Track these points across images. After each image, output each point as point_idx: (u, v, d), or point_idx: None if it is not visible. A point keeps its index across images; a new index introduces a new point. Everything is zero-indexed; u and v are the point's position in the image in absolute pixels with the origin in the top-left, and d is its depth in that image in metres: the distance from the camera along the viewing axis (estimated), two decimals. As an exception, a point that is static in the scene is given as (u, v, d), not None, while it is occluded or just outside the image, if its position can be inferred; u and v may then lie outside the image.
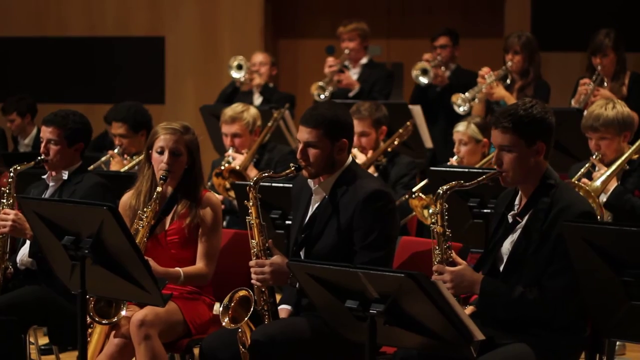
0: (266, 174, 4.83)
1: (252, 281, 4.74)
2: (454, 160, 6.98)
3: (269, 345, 4.56)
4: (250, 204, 4.78)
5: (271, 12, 12.09)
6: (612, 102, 6.03)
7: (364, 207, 4.70)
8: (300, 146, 4.77)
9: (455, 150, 7.00)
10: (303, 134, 4.77)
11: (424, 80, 9.08)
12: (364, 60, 9.48)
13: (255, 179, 4.80)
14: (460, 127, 7.03)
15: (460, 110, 8.40)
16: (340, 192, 4.77)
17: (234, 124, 7.35)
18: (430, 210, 4.50)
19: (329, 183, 4.81)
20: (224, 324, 4.67)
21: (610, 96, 7.42)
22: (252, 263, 4.75)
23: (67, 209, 4.60)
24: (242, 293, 4.72)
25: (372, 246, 4.69)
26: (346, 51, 9.40)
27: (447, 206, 4.45)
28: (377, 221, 4.70)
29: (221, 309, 4.70)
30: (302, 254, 4.83)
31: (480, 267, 4.48)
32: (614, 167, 5.88)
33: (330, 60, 9.35)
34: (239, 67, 9.61)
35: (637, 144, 5.96)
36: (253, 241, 4.78)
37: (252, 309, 4.65)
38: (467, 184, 4.49)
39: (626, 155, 5.92)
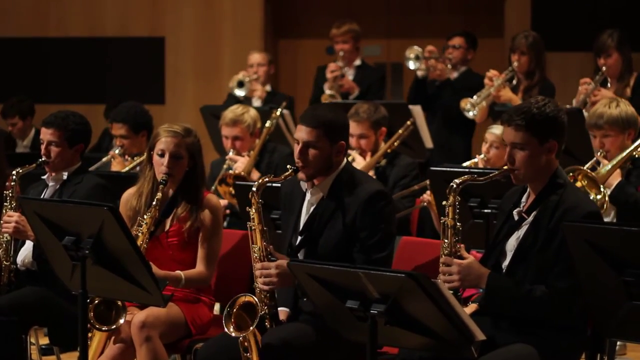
0: (267, 179, 4.76)
1: (260, 285, 4.70)
2: (480, 158, 6.92)
3: (282, 348, 4.56)
4: (253, 210, 4.74)
5: (271, 13, 12.10)
6: (616, 101, 6.05)
7: (366, 208, 4.69)
8: (299, 146, 4.73)
9: (484, 150, 6.91)
10: (302, 133, 4.73)
11: (412, 65, 9.00)
12: (358, 62, 9.46)
13: (257, 185, 4.74)
14: (496, 130, 6.91)
15: (470, 114, 8.38)
16: (340, 192, 4.76)
17: (235, 127, 7.33)
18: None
19: (327, 184, 4.79)
20: (230, 333, 4.62)
21: (612, 97, 7.40)
22: (257, 266, 4.72)
23: (68, 210, 4.60)
24: (244, 299, 4.68)
25: (375, 247, 4.69)
26: (341, 53, 9.38)
27: (459, 199, 4.46)
28: (380, 222, 4.70)
29: (224, 317, 4.67)
30: (300, 255, 4.81)
31: (485, 262, 4.48)
32: (618, 157, 5.88)
33: (333, 65, 9.31)
34: (240, 85, 9.53)
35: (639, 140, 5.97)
36: (255, 246, 4.75)
37: (258, 316, 4.61)
38: (481, 178, 4.49)
39: (631, 148, 5.93)
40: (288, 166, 4.77)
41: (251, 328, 4.60)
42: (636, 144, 5.96)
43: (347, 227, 4.72)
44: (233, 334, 4.62)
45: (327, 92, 9.20)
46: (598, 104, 6.17)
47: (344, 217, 4.73)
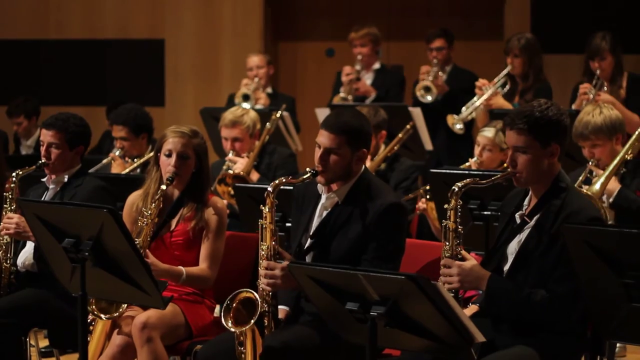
0: (284, 180, 4.76)
1: (262, 285, 4.71)
2: (473, 161, 6.93)
3: (283, 351, 4.56)
4: (267, 209, 4.74)
5: (271, 15, 12.10)
6: (599, 108, 6.05)
7: (381, 219, 4.69)
8: (320, 151, 4.73)
9: (477, 153, 6.92)
10: (325, 139, 4.73)
11: (430, 97, 9.01)
12: (377, 66, 9.44)
13: (273, 185, 4.74)
14: (488, 133, 6.91)
15: (457, 128, 8.40)
16: (356, 200, 4.76)
17: (235, 128, 7.34)
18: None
19: (344, 190, 4.79)
20: (228, 326, 4.64)
21: (612, 100, 7.40)
22: (263, 264, 4.72)
23: (68, 212, 4.60)
24: (245, 295, 4.70)
25: (386, 258, 4.69)
26: (359, 57, 9.36)
27: (461, 203, 4.46)
28: (393, 234, 4.72)
29: (222, 309, 4.68)
30: (308, 258, 4.81)
31: (486, 265, 4.48)
32: (610, 168, 5.90)
33: (347, 68, 9.30)
34: (246, 98, 9.52)
35: (629, 143, 5.98)
36: (264, 245, 4.74)
37: (258, 312, 4.62)
38: (483, 181, 4.49)
39: (620, 155, 5.94)
40: (307, 169, 4.78)
41: (251, 322, 4.60)
42: (624, 149, 5.96)
43: (359, 236, 4.72)
44: (231, 329, 4.63)
45: (341, 94, 9.18)
46: (582, 112, 6.15)
47: (357, 226, 4.72)
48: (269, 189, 4.74)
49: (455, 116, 8.32)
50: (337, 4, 12.06)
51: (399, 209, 4.75)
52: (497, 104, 8.10)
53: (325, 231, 4.79)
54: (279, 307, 4.85)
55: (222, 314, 4.67)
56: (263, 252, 4.75)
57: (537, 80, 8.19)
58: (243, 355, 4.66)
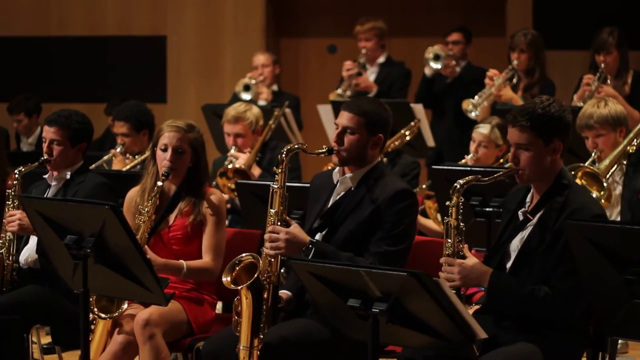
0: (297, 146, 4.86)
1: (265, 250, 4.74)
2: (469, 158, 6.93)
3: (282, 347, 4.57)
4: (279, 170, 4.81)
5: (273, 12, 12.09)
6: (604, 101, 6.09)
7: (390, 204, 4.76)
8: (338, 130, 4.85)
9: (472, 150, 6.92)
10: (343, 119, 4.85)
11: (435, 65, 8.98)
12: (382, 59, 9.39)
13: (286, 148, 4.83)
14: (483, 129, 6.91)
15: (472, 115, 8.38)
16: (368, 186, 4.84)
17: (237, 124, 7.35)
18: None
19: (357, 176, 4.88)
20: (223, 281, 4.67)
21: (614, 93, 7.42)
22: (269, 229, 4.75)
23: (70, 208, 4.61)
24: (249, 260, 4.72)
25: (390, 239, 4.75)
26: (363, 51, 9.33)
27: (462, 200, 4.46)
28: (401, 219, 4.77)
29: (226, 268, 4.70)
30: (317, 237, 4.85)
31: (488, 262, 4.48)
32: (617, 150, 5.92)
33: (348, 63, 9.25)
34: (247, 88, 9.50)
35: (632, 133, 5.99)
36: (272, 210, 4.78)
37: (255, 276, 4.63)
38: (485, 178, 4.49)
39: (628, 139, 5.95)
40: (324, 146, 4.87)
41: (246, 284, 4.61)
42: (630, 136, 5.98)
43: (367, 220, 4.78)
44: (226, 285, 4.65)
45: (338, 90, 9.14)
46: (586, 105, 6.19)
47: (367, 210, 4.79)
48: (283, 151, 4.82)
49: (472, 101, 8.29)
50: (339, 1, 12.05)
51: (408, 194, 4.83)
52: (506, 95, 8.10)
53: (335, 213, 4.86)
54: (284, 290, 4.86)
55: (224, 271, 4.70)
56: (271, 218, 4.78)
57: (542, 76, 8.20)
58: (239, 327, 4.66)
